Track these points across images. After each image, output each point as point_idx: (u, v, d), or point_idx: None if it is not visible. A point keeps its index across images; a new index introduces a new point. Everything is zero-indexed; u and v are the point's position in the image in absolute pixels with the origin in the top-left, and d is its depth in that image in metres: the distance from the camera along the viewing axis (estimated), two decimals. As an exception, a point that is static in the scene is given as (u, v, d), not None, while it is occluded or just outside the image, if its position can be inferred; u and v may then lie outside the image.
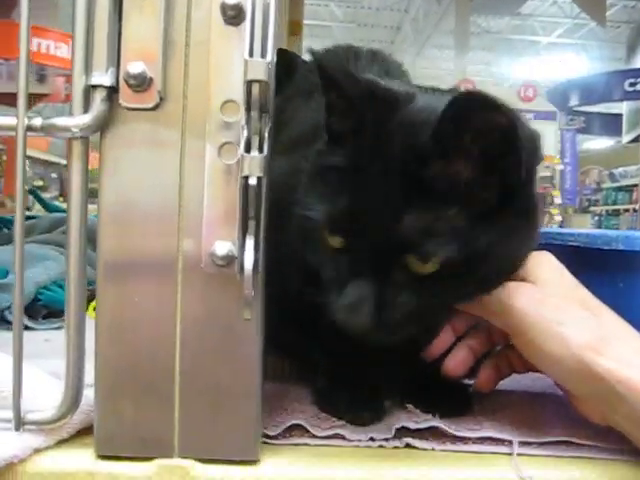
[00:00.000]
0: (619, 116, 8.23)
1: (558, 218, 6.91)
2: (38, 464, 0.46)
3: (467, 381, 0.60)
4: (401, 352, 0.58)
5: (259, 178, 0.40)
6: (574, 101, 8.05)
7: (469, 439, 0.51)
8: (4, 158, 6.02)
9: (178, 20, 0.45)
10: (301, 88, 0.68)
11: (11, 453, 0.45)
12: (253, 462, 0.47)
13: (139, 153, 0.46)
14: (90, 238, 0.46)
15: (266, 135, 0.42)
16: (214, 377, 0.47)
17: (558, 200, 7.14)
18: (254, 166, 0.40)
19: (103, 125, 0.45)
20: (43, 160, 7.13)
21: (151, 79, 0.44)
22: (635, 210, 7.11)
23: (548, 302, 0.51)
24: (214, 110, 0.45)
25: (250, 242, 0.41)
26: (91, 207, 0.47)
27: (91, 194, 0.47)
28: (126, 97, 0.45)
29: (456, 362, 0.56)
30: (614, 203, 7.87)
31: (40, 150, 6.90)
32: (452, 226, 0.46)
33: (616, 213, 7.82)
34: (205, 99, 0.45)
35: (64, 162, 6.50)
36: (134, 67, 0.44)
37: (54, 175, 7.43)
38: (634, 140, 7.41)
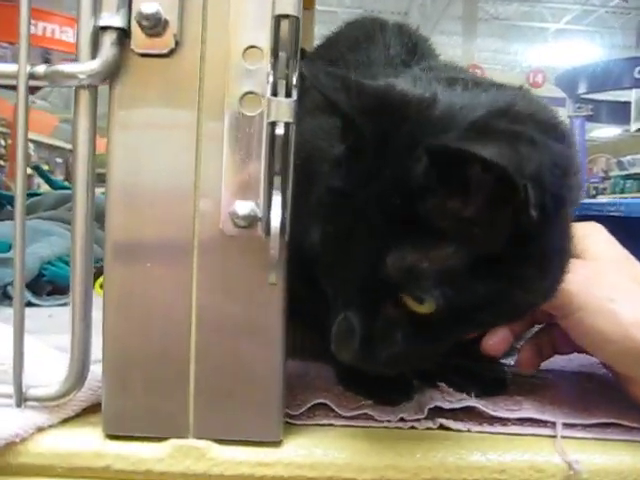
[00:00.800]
0: (627, 104, 8.14)
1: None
2: (41, 444, 0.43)
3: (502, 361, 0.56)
4: None
5: (287, 126, 0.35)
6: (582, 88, 7.96)
7: (508, 420, 0.47)
8: (9, 142, 5.99)
9: (196, -44, 0.41)
10: (322, 58, 0.64)
11: (12, 432, 0.41)
12: (275, 444, 0.43)
13: (152, 106, 0.42)
14: (98, 215, 0.42)
15: (294, 80, 0.38)
16: (233, 350, 0.43)
17: (567, 188, 7.10)
18: (282, 111, 0.35)
19: (113, 72, 0.41)
20: (48, 144, 7.10)
21: (166, 21, 0.40)
22: (644, 199, 7.05)
23: (598, 279, 0.47)
24: (236, 56, 0.40)
25: (277, 199, 0.37)
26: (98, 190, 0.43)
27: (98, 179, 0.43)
28: (138, 41, 0.40)
29: (495, 341, 0.52)
30: (622, 191, 7.78)
31: (44, 135, 6.87)
32: (446, 268, 0.39)
33: (624, 202, 7.77)
34: (225, 44, 0.40)
35: (69, 147, 6.49)
36: (148, 7, 0.39)
37: (59, 160, 7.40)
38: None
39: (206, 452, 0.42)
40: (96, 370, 0.44)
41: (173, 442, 0.43)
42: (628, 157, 7.98)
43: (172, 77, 0.41)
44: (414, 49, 0.61)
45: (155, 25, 0.40)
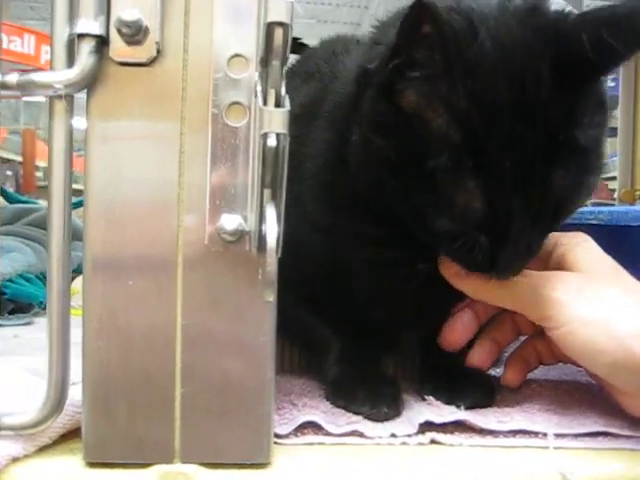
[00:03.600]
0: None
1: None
2: (16, 475, 0.40)
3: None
4: (421, 340, 0.54)
5: (279, 137, 0.34)
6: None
7: (499, 432, 0.46)
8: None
9: (177, -39, 0.39)
10: (299, 71, 0.63)
11: (-15, 464, 0.39)
12: (264, 465, 0.42)
13: (132, 117, 0.40)
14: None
15: (283, 90, 0.36)
16: (221, 370, 0.41)
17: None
18: (275, 121, 0.34)
19: (91, 82, 0.39)
20: (-3, 157, 6.90)
21: (147, 28, 0.38)
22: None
23: (590, 290, 0.47)
24: (220, 65, 0.39)
25: (271, 212, 0.35)
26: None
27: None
28: (118, 49, 0.38)
29: (480, 355, 0.52)
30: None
31: (-7, 147, 6.68)
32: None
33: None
34: (209, 53, 0.39)
35: (19, 159, 6.32)
36: (128, 13, 0.38)
37: (9, 172, 7.20)
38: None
39: (193, 477, 0.40)
40: (73, 393, 0.42)
41: (158, 468, 0.40)
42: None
43: (153, 87, 0.39)
44: None
45: (136, 33, 0.38)
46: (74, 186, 0.41)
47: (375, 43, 0.50)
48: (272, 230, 0.35)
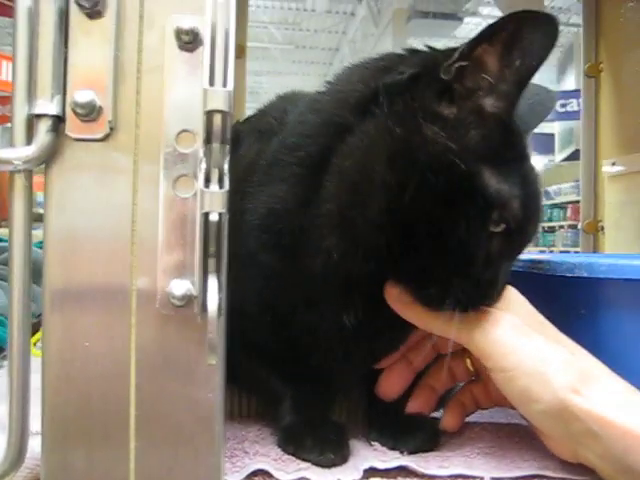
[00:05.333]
0: (552, 136, 8.47)
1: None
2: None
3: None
4: (367, 386, 0.57)
5: (220, 215, 0.37)
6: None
7: (440, 477, 0.49)
8: None
9: (129, 45, 0.42)
10: (254, 127, 0.66)
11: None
12: (215, 514, 0.44)
13: (88, 186, 0.42)
14: (34, 271, 0.43)
15: (226, 168, 0.39)
16: (173, 424, 0.43)
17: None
18: (215, 202, 0.37)
19: (48, 158, 0.41)
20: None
21: (101, 108, 0.41)
22: (571, 227, 7.31)
23: (527, 336, 0.49)
24: (169, 140, 0.42)
25: (213, 281, 0.38)
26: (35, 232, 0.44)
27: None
28: (73, 127, 0.41)
29: (419, 403, 0.55)
30: (550, 220, 8.08)
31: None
32: None
33: (552, 230, 8.04)
34: (159, 129, 0.42)
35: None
36: (82, 95, 0.41)
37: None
38: (567, 159, 7.64)
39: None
40: (34, 445, 0.44)
41: (114, 518, 0.43)
42: (554, 186, 8.28)
43: (107, 161, 0.42)
44: None
45: (90, 112, 0.41)
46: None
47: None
48: (213, 299, 0.37)
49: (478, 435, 0.56)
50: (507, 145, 0.49)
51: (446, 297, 0.49)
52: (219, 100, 0.36)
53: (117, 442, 0.43)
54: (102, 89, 0.41)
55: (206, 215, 0.37)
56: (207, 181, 0.39)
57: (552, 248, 7.69)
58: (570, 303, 0.58)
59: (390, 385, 0.57)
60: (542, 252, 7.62)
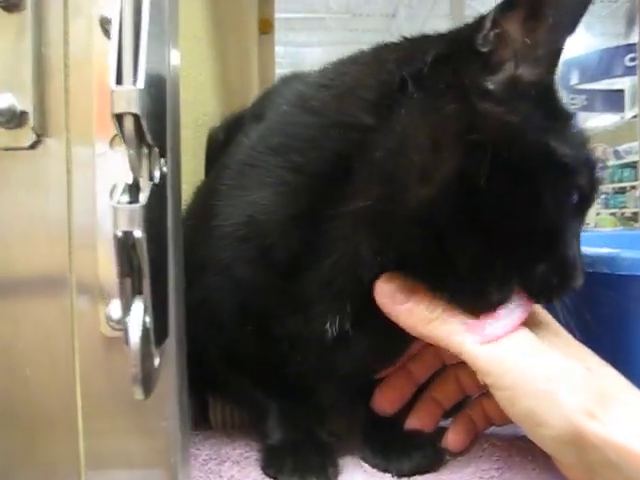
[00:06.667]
0: (621, 92, 8.09)
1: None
2: None
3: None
4: (365, 399, 0.52)
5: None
6: (575, 80, 7.92)
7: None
8: None
9: (53, 38, 0.38)
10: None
11: None
12: None
13: (18, 198, 0.38)
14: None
15: (157, 175, 0.35)
16: (124, 455, 0.40)
17: (562, 183, 7.03)
18: (127, 218, 0.32)
19: (-27, 169, 0.38)
20: None
21: (23, 113, 0.37)
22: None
23: (535, 351, 0.42)
24: (102, 145, 0.37)
25: (138, 306, 0.33)
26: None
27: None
28: (-3, 136, 0.37)
29: (420, 419, 0.49)
30: (620, 181, 7.72)
31: None
32: None
33: (622, 191, 7.68)
34: (92, 131, 0.38)
35: None
36: (1, 100, 0.36)
37: None
38: (637, 115, 7.29)
39: None
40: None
41: None
42: (624, 145, 7.92)
43: (38, 170, 0.38)
44: None
45: (10, 119, 0.37)
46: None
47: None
48: (135, 326, 0.33)
49: (486, 453, 0.50)
50: (557, 110, 0.46)
51: (506, 292, 0.43)
52: (127, 101, 0.31)
53: (66, 477, 0.40)
54: (23, 91, 0.37)
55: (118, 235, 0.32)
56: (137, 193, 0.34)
57: (623, 210, 7.38)
58: (593, 303, 0.51)
59: (386, 398, 0.51)
60: (613, 214, 7.32)
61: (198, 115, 0.80)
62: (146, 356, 0.34)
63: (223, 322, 0.49)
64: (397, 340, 0.48)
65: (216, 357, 0.53)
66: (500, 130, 0.42)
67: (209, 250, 0.50)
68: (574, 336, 0.46)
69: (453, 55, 0.44)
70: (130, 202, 0.32)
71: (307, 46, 10.33)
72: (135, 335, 0.33)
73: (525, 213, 0.42)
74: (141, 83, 0.31)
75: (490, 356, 0.42)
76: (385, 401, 0.51)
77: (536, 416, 0.41)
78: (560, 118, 0.45)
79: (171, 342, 0.39)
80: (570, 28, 0.43)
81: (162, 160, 0.36)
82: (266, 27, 1.42)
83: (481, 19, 0.44)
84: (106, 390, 0.39)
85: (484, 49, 0.43)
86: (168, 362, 0.39)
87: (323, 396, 0.51)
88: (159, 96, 0.35)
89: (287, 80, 0.64)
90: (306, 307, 0.47)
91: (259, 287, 0.48)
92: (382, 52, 0.49)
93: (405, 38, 0.49)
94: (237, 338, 0.50)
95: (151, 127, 0.33)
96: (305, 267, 0.46)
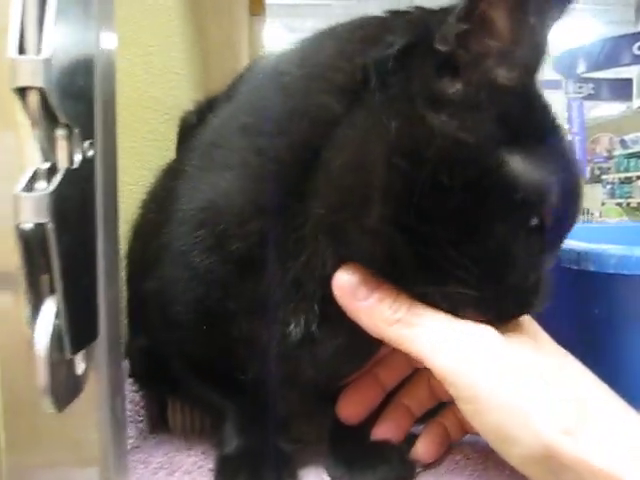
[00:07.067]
0: (629, 81, 7.99)
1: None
2: None
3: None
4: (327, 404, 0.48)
5: (42, 224, 0.28)
6: (582, 68, 7.83)
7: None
8: None
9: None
10: None
11: None
12: None
13: None
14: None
15: (77, 159, 0.30)
16: (52, 471, 0.36)
17: (567, 172, 6.95)
18: (30, 209, 0.28)
19: None
20: None
21: None
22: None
23: (505, 358, 0.38)
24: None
25: (49, 307, 0.29)
26: None
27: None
28: None
29: (388, 428, 0.45)
30: (626, 170, 7.63)
31: None
32: None
33: (628, 181, 7.58)
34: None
35: None
36: None
37: None
38: (645, 104, 7.21)
39: None
40: None
41: None
42: (631, 135, 7.83)
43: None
44: None
45: None
46: None
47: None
48: (42, 331, 0.29)
49: (459, 466, 0.46)
50: (532, 122, 0.39)
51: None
52: (31, 73, 0.27)
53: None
54: None
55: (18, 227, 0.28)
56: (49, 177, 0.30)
57: (629, 200, 7.30)
58: (582, 300, 0.47)
59: (352, 405, 0.47)
60: (619, 204, 7.24)
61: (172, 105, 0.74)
62: (58, 363, 0.30)
63: (177, 318, 0.45)
64: (366, 342, 0.44)
65: (172, 355, 0.49)
66: (449, 151, 0.36)
67: (167, 237, 0.46)
68: (568, 336, 0.41)
69: (414, 47, 0.38)
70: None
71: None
72: (42, 340, 0.29)
73: (471, 238, 0.37)
74: (47, 52, 0.27)
75: (455, 364, 0.38)
76: (350, 409, 0.47)
77: (504, 432, 0.36)
78: (536, 131, 0.39)
79: (102, 344, 0.35)
80: (554, 20, 0.37)
81: (86, 143, 0.32)
82: (257, 8, 1.37)
83: (447, 10, 0.38)
84: (30, 397, 0.35)
85: (443, 48, 0.37)
86: (98, 366, 0.35)
87: (285, 402, 0.46)
88: (82, 73, 0.31)
89: (264, 58, 0.59)
90: (268, 307, 0.43)
91: (215, 281, 0.44)
92: (357, 28, 0.44)
93: (391, 12, 0.43)
94: (191, 337, 0.46)
95: (67, 105, 0.29)
96: (265, 263, 0.42)
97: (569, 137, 7.46)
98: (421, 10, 0.41)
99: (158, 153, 0.65)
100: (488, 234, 0.37)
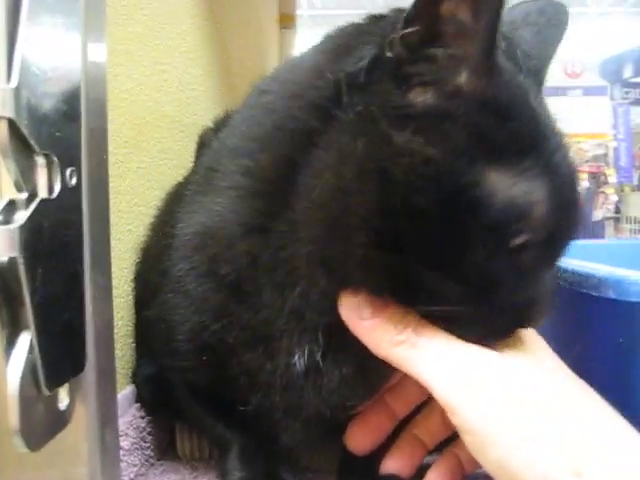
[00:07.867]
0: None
1: (614, 198, 6.51)
2: None
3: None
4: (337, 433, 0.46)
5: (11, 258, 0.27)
6: (628, 73, 7.66)
7: None
8: None
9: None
10: None
11: None
12: None
13: None
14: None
15: (57, 188, 0.29)
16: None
17: (613, 179, 6.75)
18: (5, 243, 0.27)
19: None
20: None
21: None
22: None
23: (509, 387, 0.36)
24: None
25: (23, 340, 0.28)
26: None
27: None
28: None
29: (398, 461, 0.43)
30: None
31: None
32: None
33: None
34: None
35: None
36: None
37: None
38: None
39: None
40: None
41: None
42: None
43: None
44: None
45: None
46: None
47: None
48: (15, 369, 0.28)
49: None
50: (513, 134, 0.35)
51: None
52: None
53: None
54: None
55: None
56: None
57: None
58: (604, 329, 0.44)
59: (361, 436, 0.45)
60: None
61: (189, 122, 0.74)
62: (34, 400, 0.29)
63: (178, 347, 0.44)
64: (374, 372, 0.42)
65: (177, 383, 0.48)
66: (417, 170, 0.34)
67: (167, 262, 0.45)
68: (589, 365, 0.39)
69: (379, 61, 0.36)
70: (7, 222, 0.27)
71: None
72: (14, 378, 0.28)
73: (451, 260, 0.35)
74: (15, 81, 0.26)
75: (457, 392, 0.35)
76: (359, 439, 0.45)
77: (508, 470, 0.34)
78: (518, 138, 0.35)
79: (90, 375, 0.34)
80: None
81: (69, 170, 0.31)
82: (288, 22, 1.37)
83: (401, 12, 0.35)
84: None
85: (391, 54, 0.35)
86: (86, 398, 0.34)
87: (290, 433, 0.45)
88: (66, 98, 0.31)
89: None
90: (268, 338, 0.41)
91: (210, 309, 0.43)
92: (334, 38, 0.42)
93: (369, 17, 0.40)
94: (192, 366, 0.45)
95: (44, 133, 0.28)
96: (258, 291, 0.40)
97: (614, 144, 7.30)
98: (397, 12, 0.38)
99: (170, 172, 0.64)
100: (466, 255, 0.35)
